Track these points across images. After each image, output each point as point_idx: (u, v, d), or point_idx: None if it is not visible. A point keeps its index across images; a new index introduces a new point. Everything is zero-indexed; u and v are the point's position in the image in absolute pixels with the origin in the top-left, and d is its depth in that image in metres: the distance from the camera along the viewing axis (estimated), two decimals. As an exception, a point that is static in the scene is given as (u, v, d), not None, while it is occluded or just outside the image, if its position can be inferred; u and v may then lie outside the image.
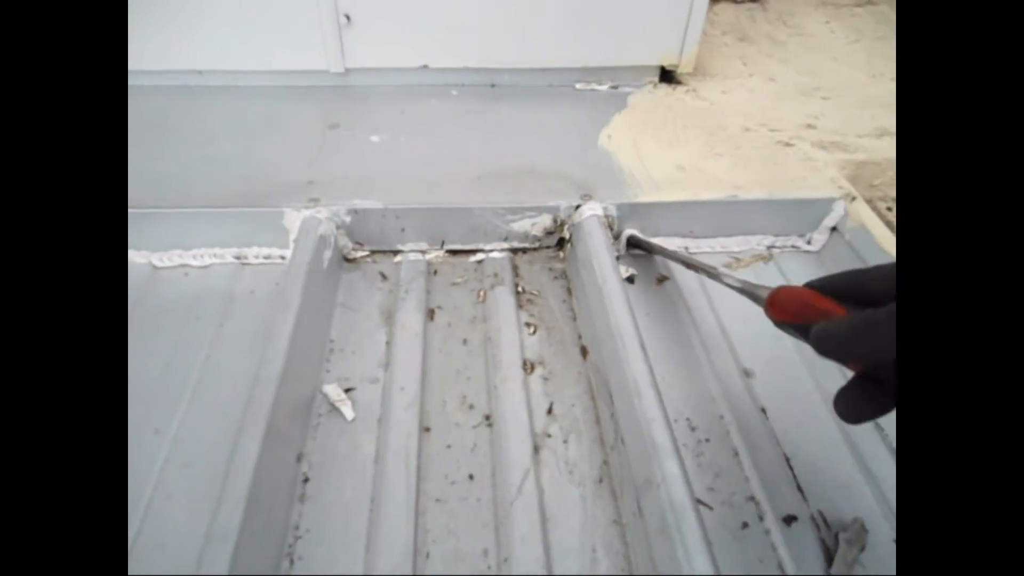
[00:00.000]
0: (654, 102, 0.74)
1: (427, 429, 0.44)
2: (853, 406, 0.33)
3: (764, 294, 0.39)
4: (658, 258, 0.59)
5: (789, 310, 0.36)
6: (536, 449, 0.43)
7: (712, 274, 0.47)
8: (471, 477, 0.42)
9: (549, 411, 0.46)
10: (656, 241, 0.57)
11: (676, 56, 0.75)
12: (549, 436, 0.44)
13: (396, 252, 0.59)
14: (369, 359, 0.49)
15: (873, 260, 0.54)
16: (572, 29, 0.73)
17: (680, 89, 0.76)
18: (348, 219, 0.56)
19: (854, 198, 0.57)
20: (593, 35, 0.74)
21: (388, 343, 0.50)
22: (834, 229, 0.59)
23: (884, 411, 0.32)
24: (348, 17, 0.70)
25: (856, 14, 1.00)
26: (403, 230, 0.58)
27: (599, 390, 0.46)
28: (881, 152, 0.65)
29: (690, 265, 0.51)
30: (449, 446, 0.43)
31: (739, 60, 0.83)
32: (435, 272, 0.58)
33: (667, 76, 0.78)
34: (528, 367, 0.49)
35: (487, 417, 0.45)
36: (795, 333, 0.36)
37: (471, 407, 0.46)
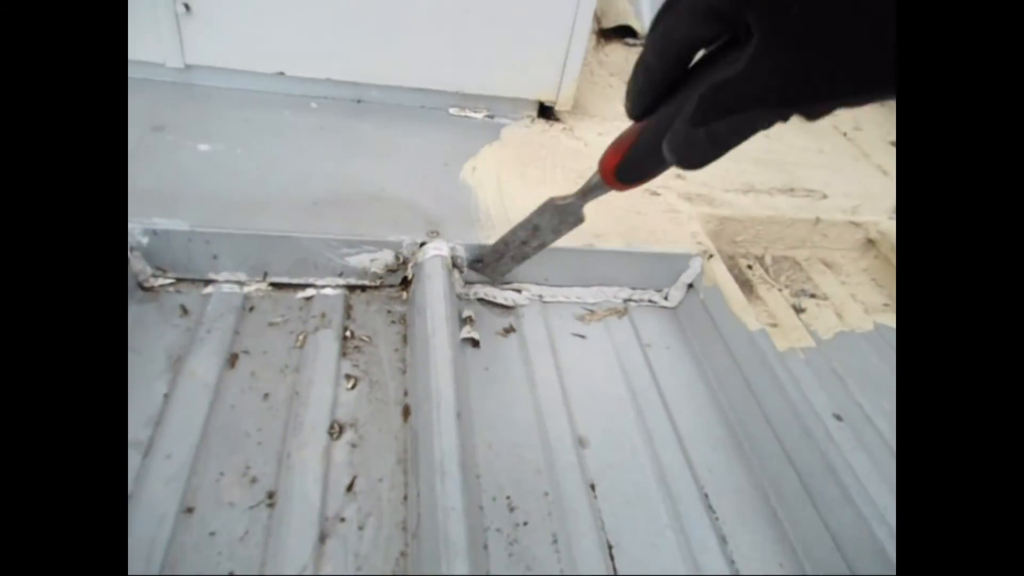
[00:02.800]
0: (528, 137, 0.70)
1: (189, 510, 0.36)
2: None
3: (595, 177, 0.38)
4: (508, 307, 0.54)
5: (618, 151, 0.35)
6: (323, 537, 0.36)
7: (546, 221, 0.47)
8: None
9: (350, 487, 0.39)
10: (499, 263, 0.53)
11: (554, 93, 0.72)
12: (343, 520, 0.37)
13: (208, 282, 0.51)
14: (136, 416, 0.40)
15: (723, 322, 0.52)
16: (449, 51, 0.68)
17: (557, 127, 0.73)
18: (145, 240, 0.47)
19: (711, 256, 0.56)
20: (471, 61, 0.69)
21: (167, 395, 0.42)
22: (691, 286, 0.57)
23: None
24: (187, 6, 0.61)
25: (740, 70, 1.03)
26: (216, 257, 0.50)
27: (412, 462, 0.40)
28: (745, 208, 0.65)
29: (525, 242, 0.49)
30: (213, 533, 0.35)
31: (621, 103, 0.82)
32: (251, 308, 0.50)
33: (546, 112, 0.75)
34: (335, 430, 0.42)
35: (270, 495, 0.38)
36: (649, 165, 0.35)
37: (253, 481, 0.38)
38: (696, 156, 0.28)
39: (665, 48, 0.28)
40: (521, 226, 0.48)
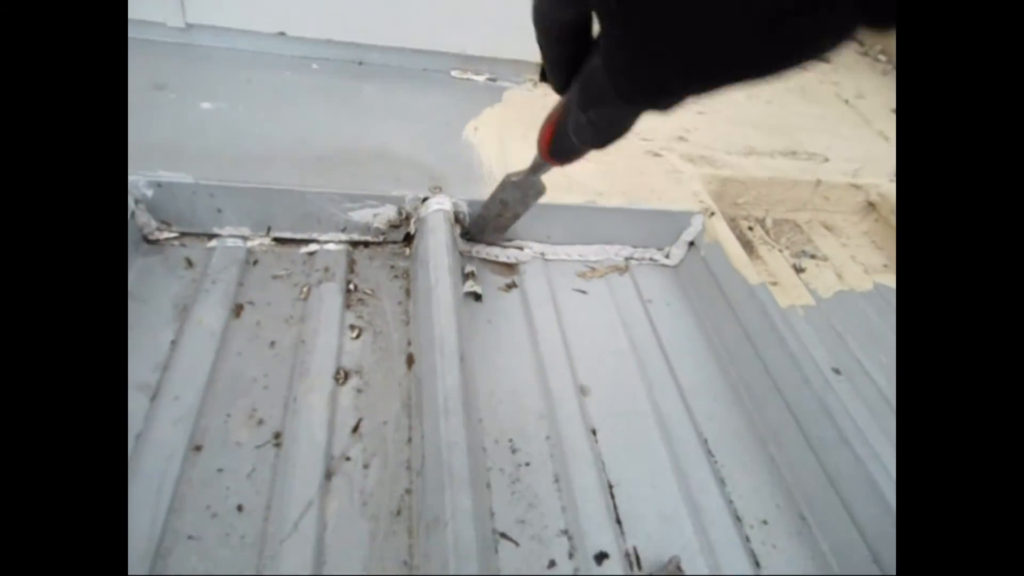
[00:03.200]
0: (530, 100, 0.70)
1: (197, 448, 0.37)
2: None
3: (537, 156, 0.36)
4: (510, 264, 0.54)
5: (549, 129, 0.33)
6: (329, 475, 0.37)
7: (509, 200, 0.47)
8: (239, 508, 0.35)
9: (355, 429, 0.40)
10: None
11: (556, 54, 0.72)
12: (348, 459, 0.38)
13: (212, 236, 0.51)
14: (143, 361, 0.41)
15: (725, 278, 0.52)
16: (451, 12, 0.68)
17: (559, 89, 0.73)
18: (149, 193, 0.48)
19: (712, 213, 0.56)
20: (472, 23, 0.69)
21: (174, 342, 0.42)
22: (692, 244, 0.57)
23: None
24: (187, -36, 0.61)
25: (743, 39, 1.02)
26: (220, 211, 0.50)
27: (417, 406, 0.41)
28: (747, 170, 0.65)
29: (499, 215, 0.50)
30: (221, 470, 0.36)
31: (624, 67, 0.82)
32: (255, 262, 0.50)
33: (548, 75, 0.74)
34: (341, 376, 0.42)
35: (277, 435, 0.38)
36: (571, 144, 0.31)
37: (260, 423, 0.39)
38: (590, 139, 0.26)
39: (544, 29, 0.25)
40: (491, 201, 0.49)
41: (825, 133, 0.76)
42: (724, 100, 0.79)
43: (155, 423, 0.37)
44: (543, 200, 0.54)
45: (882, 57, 1.06)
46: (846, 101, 0.88)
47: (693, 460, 0.42)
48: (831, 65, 1.00)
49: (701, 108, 0.76)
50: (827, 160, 0.70)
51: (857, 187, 0.68)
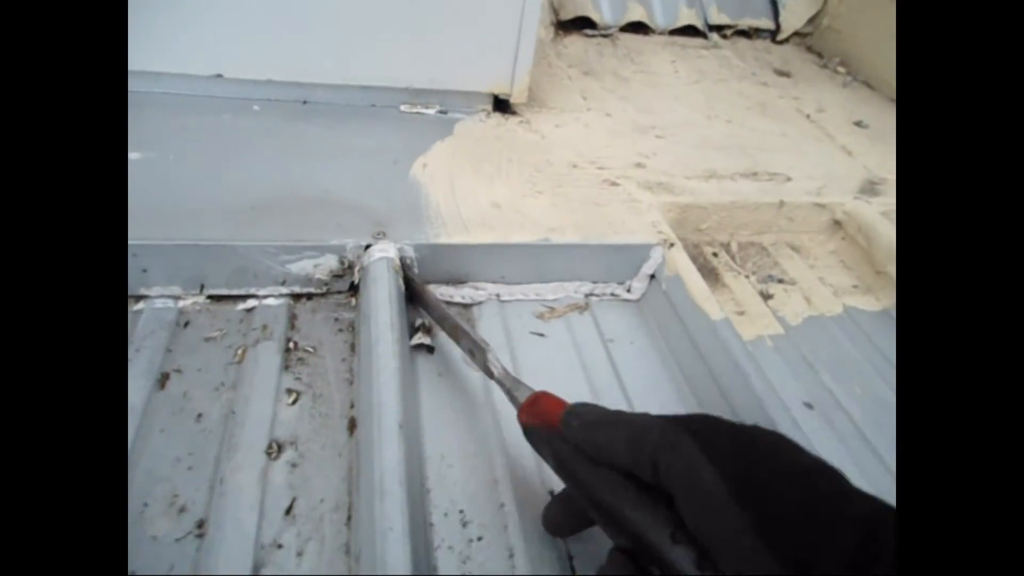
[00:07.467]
0: (483, 132, 0.68)
1: (107, 548, 0.33)
2: (553, 520, 0.36)
3: (522, 396, 0.35)
4: (465, 305, 0.51)
5: (537, 412, 0.33)
6: (257, 567, 0.33)
7: (476, 358, 0.42)
8: (152, 617, 0.31)
9: (289, 510, 0.36)
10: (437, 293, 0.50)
11: (507, 85, 0.70)
12: (280, 547, 0.34)
13: (139, 298, 0.47)
14: (52, 447, 0.37)
15: (688, 314, 0.50)
16: (397, 47, 0.66)
17: (513, 120, 0.71)
18: (66, 257, 0.44)
19: (672, 245, 0.54)
20: (420, 55, 0.67)
21: (88, 423, 0.38)
22: (653, 277, 0.55)
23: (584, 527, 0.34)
24: (112, 9, 0.58)
25: (702, 56, 1.01)
26: (145, 271, 0.46)
27: (357, 480, 0.38)
28: (708, 196, 0.63)
29: (455, 338, 0.44)
30: (133, 573, 0.32)
31: (579, 94, 0.80)
32: (186, 324, 0.47)
33: (502, 105, 0.73)
34: (273, 450, 0.39)
35: (200, 524, 0.35)
36: (543, 447, 0.33)
37: (182, 510, 0.35)
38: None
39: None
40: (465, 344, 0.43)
41: (787, 151, 0.75)
42: (684, 121, 0.78)
43: (59, 522, 0.33)
44: (491, 239, 0.52)
45: (841, 69, 1.06)
46: (807, 116, 0.87)
47: (659, 519, 0.39)
48: (791, 79, 0.99)
49: (660, 132, 0.74)
50: (790, 179, 0.68)
51: (822, 206, 0.66)
